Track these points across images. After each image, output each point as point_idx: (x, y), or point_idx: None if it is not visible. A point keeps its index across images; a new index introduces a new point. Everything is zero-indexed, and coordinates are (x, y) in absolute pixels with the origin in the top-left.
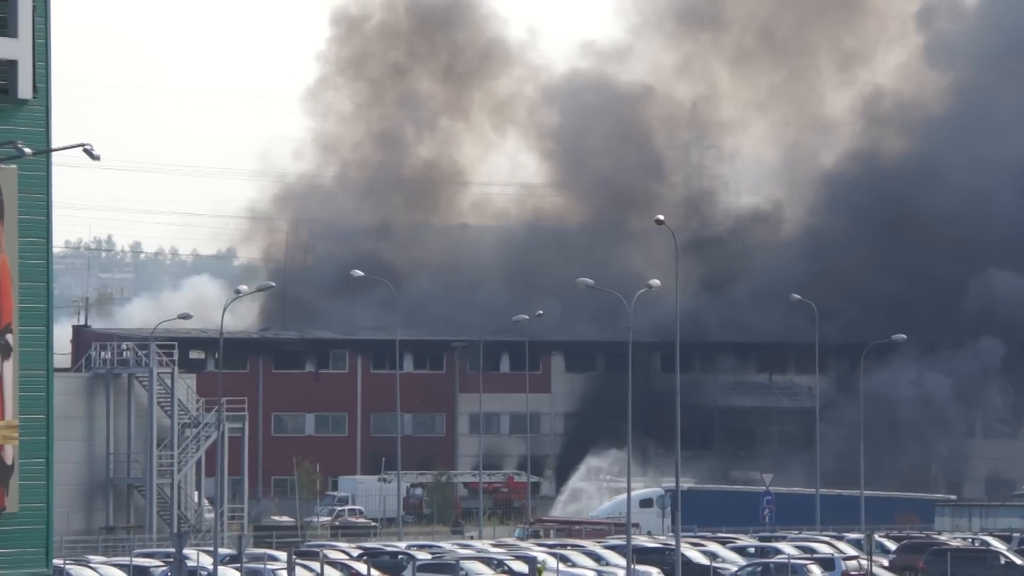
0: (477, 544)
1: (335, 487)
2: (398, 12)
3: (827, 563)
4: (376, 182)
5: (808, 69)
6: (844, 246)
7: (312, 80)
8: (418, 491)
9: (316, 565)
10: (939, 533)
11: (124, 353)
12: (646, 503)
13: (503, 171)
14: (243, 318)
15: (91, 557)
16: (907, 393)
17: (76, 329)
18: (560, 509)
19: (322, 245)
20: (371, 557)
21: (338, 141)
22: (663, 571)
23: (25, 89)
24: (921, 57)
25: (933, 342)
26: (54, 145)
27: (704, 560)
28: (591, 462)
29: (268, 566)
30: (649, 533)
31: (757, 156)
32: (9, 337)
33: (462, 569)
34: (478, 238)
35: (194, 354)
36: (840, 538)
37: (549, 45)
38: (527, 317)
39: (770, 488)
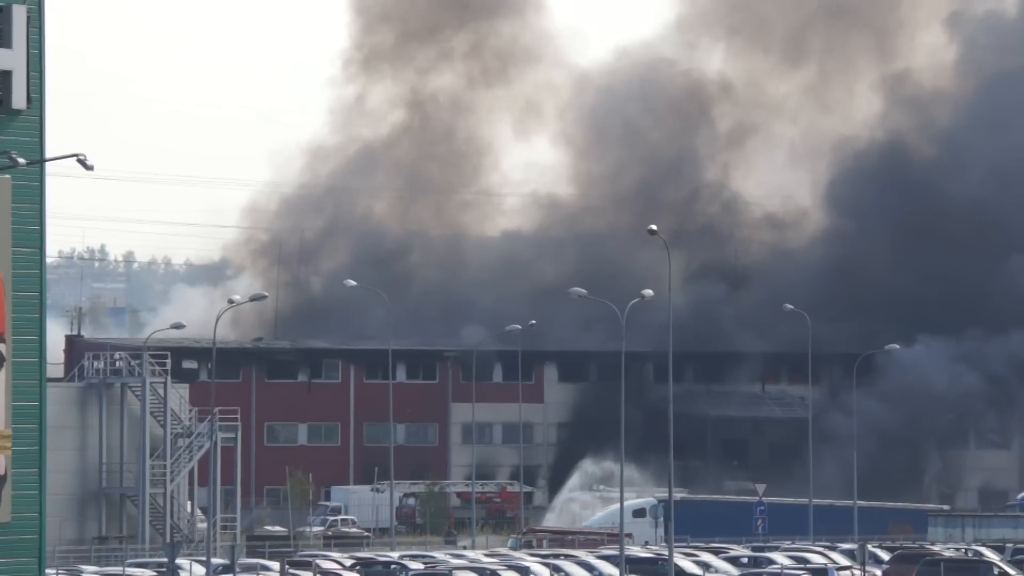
0: (470, 554)
1: (328, 497)
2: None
3: (820, 573)
4: (382, 187)
5: (836, 61)
6: (865, 242)
7: (321, 80)
8: (411, 501)
9: (309, 575)
10: (932, 543)
11: (117, 363)
12: (639, 513)
13: (520, 175)
14: (242, 328)
15: (84, 567)
16: (937, 388)
17: (69, 339)
18: (553, 519)
19: (324, 252)
20: (364, 567)
21: (346, 145)
22: None
23: (19, 99)
24: (948, 44)
25: (960, 336)
26: (48, 155)
27: (697, 570)
28: (583, 471)
29: None
30: (647, 543)
31: (780, 157)
32: (2, 347)
33: None
34: (491, 244)
35: (187, 364)
36: (833, 548)
37: (577, 44)
38: (520, 327)
39: (763, 498)
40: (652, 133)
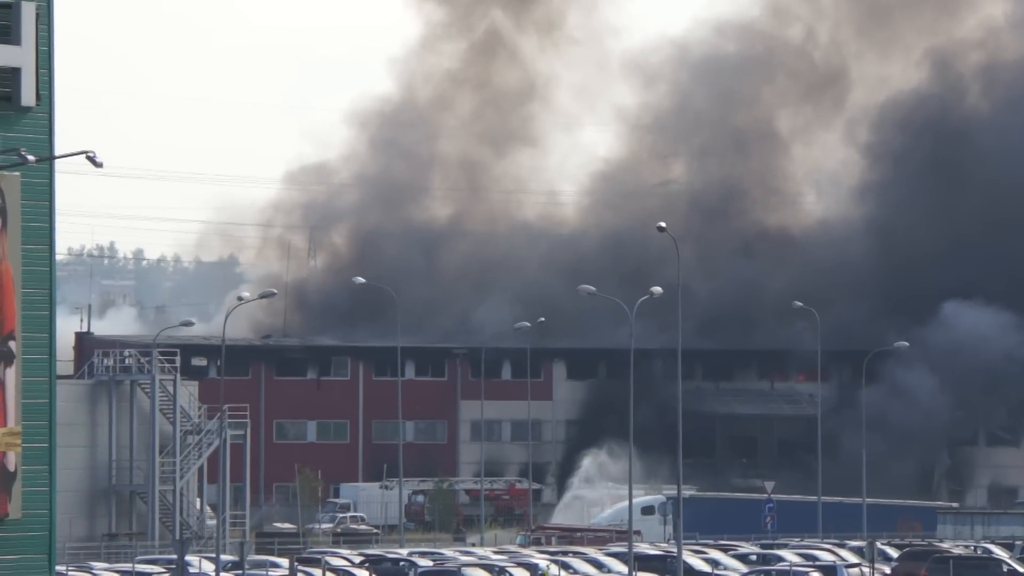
0: (479, 551)
1: (337, 494)
2: None
3: (829, 570)
4: (396, 186)
5: (894, 34)
6: (915, 219)
7: (333, 73)
8: (420, 498)
9: (318, 572)
10: (941, 541)
11: (126, 360)
12: (648, 510)
13: (567, 161)
14: (254, 324)
15: (94, 564)
16: (991, 352)
17: (78, 336)
18: (561, 516)
19: (338, 249)
20: (373, 564)
21: (357, 147)
22: None
23: (28, 96)
24: (1003, 13)
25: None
26: (57, 152)
27: (706, 567)
28: (588, 467)
29: (270, 573)
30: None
31: (825, 134)
32: (12, 344)
33: None
34: (534, 232)
35: (196, 361)
36: (842, 545)
37: (628, 29)
38: (528, 324)
39: (772, 495)
40: (698, 117)
